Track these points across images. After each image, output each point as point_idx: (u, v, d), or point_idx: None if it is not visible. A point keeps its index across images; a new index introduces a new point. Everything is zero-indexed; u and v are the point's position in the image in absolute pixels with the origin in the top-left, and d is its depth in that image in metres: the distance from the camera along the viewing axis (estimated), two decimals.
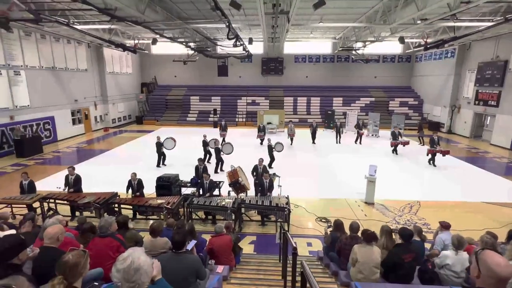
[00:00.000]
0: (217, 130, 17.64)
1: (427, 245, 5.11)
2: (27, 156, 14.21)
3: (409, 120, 22.71)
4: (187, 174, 9.29)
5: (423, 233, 5.11)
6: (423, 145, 16.44)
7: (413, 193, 9.71)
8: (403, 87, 26.78)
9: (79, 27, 13.25)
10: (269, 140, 12.98)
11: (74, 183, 8.04)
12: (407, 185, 10.62)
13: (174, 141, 13.04)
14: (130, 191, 8.07)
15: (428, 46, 15.02)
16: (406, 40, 18.38)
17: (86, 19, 13.90)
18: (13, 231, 3.78)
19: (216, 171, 11.53)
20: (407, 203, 8.99)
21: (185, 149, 14.77)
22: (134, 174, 8.10)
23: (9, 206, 7.61)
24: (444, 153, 12.62)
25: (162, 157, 12.65)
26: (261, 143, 16.61)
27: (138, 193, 8.03)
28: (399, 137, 14.95)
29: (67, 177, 8.08)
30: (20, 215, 6.98)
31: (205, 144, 12.93)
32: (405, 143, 14.91)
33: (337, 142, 17.32)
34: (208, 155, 12.94)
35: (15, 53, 14.94)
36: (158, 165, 12.38)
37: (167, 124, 24.00)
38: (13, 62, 14.84)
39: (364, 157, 13.94)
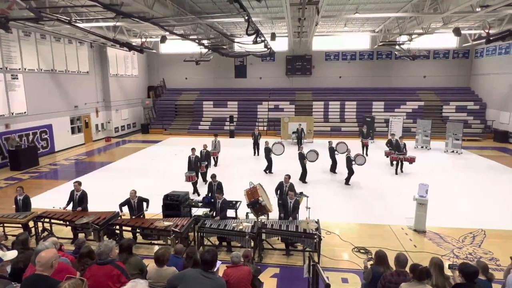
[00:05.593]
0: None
1: (496, 286, 4.83)
2: (23, 169, 14.98)
3: (468, 129, 21.82)
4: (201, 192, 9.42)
5: (490, 270, 4.85)
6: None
7: (477, 220, 9.30)
8: (460, 88, 25.98)
9: (81, 25, 14.06)
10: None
11: (79, 200, 8.30)
12: (469, 209, 10.20)
13: (283, 146, 14.76)
14: (126, 209, 8.13)
15: (491, 39, 14.71)
16: (462, 32, 17.88)
17: (89, 16, 14.74)
18: (14, 252, 3.96)
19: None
20: (468, 231, 8.61)
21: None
22: (134, 192, 8.17)
23: (1, 225, 7.97)
24: (411, 160, 13.63)
25: (270, 163, 13.74)
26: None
27: (140, 214, 8.09)
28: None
29: (72, 193, 8.37)
30: (13, 235, 7.30)
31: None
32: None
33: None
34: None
35: (13, 55, 16.04)
36: (270, 171, 13.70)
37: (176, 134, 24.60)
38: (11, 65, 15.92)
39: (412, 174, 13.57)
